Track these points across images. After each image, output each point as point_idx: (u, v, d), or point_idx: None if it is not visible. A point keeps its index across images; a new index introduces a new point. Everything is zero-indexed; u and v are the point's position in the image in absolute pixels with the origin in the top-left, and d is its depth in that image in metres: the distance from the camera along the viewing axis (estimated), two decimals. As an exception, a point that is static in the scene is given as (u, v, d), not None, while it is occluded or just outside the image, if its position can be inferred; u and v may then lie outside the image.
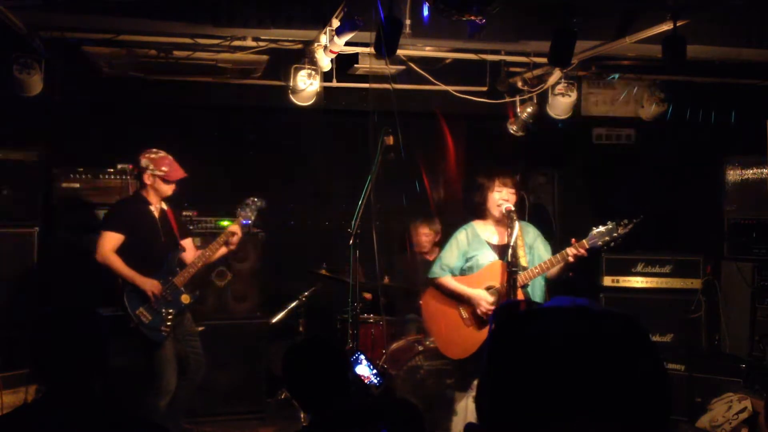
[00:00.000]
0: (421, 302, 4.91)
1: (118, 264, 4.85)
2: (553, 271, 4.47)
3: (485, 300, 4.45)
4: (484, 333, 4.44)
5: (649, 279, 6.33)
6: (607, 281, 6.36)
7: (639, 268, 6.34)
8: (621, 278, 6.36)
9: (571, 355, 0.95)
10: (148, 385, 4.91)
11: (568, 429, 0.94)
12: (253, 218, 5.22)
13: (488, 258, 4.56)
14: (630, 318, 1.01)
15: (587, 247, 4.29)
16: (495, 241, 4.60)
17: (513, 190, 4.55)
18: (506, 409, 0.98)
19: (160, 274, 4.95)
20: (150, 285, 4.84)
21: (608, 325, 0.98)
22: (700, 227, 6.74)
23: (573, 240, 4.33)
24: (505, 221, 4.47)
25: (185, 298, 4.99)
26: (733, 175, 6.28)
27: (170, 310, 4.88)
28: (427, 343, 5.52)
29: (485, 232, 4.64)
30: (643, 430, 0.95)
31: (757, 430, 5.15)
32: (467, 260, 4.63)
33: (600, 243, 4.29)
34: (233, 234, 5.06)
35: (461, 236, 4.68)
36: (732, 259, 6.23)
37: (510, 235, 4.35)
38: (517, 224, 4.37)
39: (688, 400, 5.65)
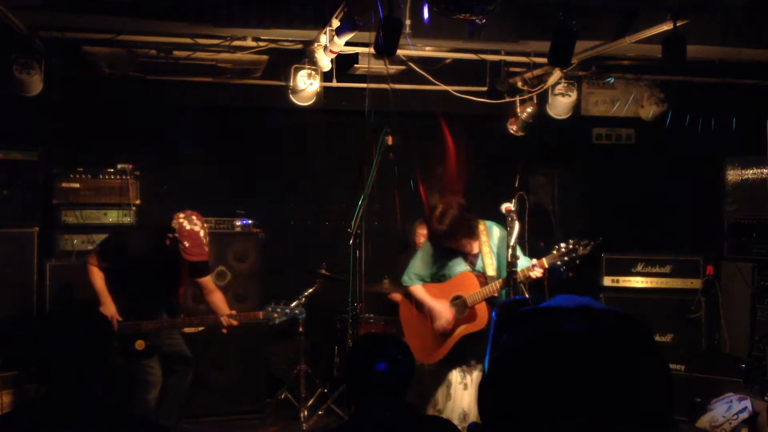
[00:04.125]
0: (399, 307, 4.86)
1: (95, 278, 4.82)
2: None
3: (445, 318, 4.44)
4: (451, 342, 4.47)
5: (649, 279, 6.33)
6: (607, 281, 6.36)
7: (639, 268, 6.34)
8: (621, 278, 6.35)
9: (575, 354, 0.95)
10: (134, 380, 4.88)
11: (571, 429, 0.94)
12: (277, 322, 5.04)
13: (459, 266, 4.50)
14: (632, 317, 1.01)
15: (546, 266, 4.30)
16: (466, 249, 4.51)
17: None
18: (509, 409, 0.98)
19: (134, 309, 4.85)
20: (109, 312, 4.73)
21: (611, 324, 0.98)
22: (700, 227, 6.74)
23: (534, 260, 4.33)
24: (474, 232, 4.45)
25: (139, 344, 4.82)
26: (733, 175, 6.28)
27: (116, 343, 4.70)
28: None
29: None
30: (649, 429, 0.95)
31: (757, 430, 5.15)
32: (439, 268, 4.58)
33: (559, 263, 4.31)
34: (223, 327, 4.93)
35: (426, 246, 4.64)
36: (732, 259, 6.23)
37: (510, 236, 4.34)
38: (517, 225, 4.27)
39: (688, 400, 5.65)
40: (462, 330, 4.46)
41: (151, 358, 4.92)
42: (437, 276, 4.60)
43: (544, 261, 4.29)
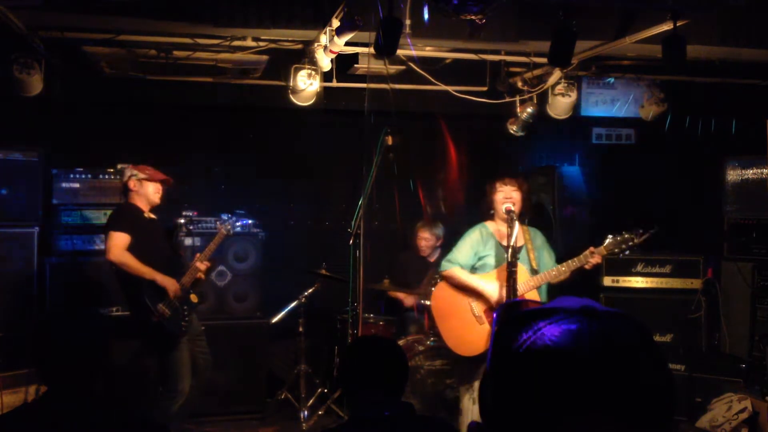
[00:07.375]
0: (430, 302, 4.82)
1: (134, 262, 4.72)
2: (563, 277, 4.56)
3: (499, 293, 4.43)
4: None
5: (649, 279, 6.33)
6: (607, 281, 6.36)
7: (639, 268, 6.33)
8: (621, 278, 6.35)
9: (575, 353, 0.95)
10: (163, 389, 4.90)
11: (572, 428, 0.94)
12: (232, 233, 5.32)
13: (499, 258, 4.57)
14: (633, 317, 1.01)
15: (605, 253, 4.50)
16: (506, 242, 4.60)
17: (515, 187, 4.61)
18: (511, 408, 0.98)
19: (170, 274, 4.94)
20: (171, 283, 4.84)
21: (612, 323, 0.99)
22: (700, 227, 6.73)
23: (591, 248, 4.48)
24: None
25: (194, 298, 5.05)
26: (733, 175, 6.27)
27: (185, 307, 4.94)
28: (428, 342, 5.53)
29: (498, 232, 4.66)
30: (649, 428, 0.95)
31: (757, 430, 5.15)
32: (479, 258, 4.62)
33: (617, 250, 4.49)
34: (198, 270, 5.04)
35: (475, 234, 4.67)
36: (732, 259, 6.23)
37: (510, 236, 4.36)
38: (517, 225, 4.44)
39: (688, 400, 5.65)
40: None
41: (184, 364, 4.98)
42: (476, 266, 4.62)
43: (603, 249, 4.48)
